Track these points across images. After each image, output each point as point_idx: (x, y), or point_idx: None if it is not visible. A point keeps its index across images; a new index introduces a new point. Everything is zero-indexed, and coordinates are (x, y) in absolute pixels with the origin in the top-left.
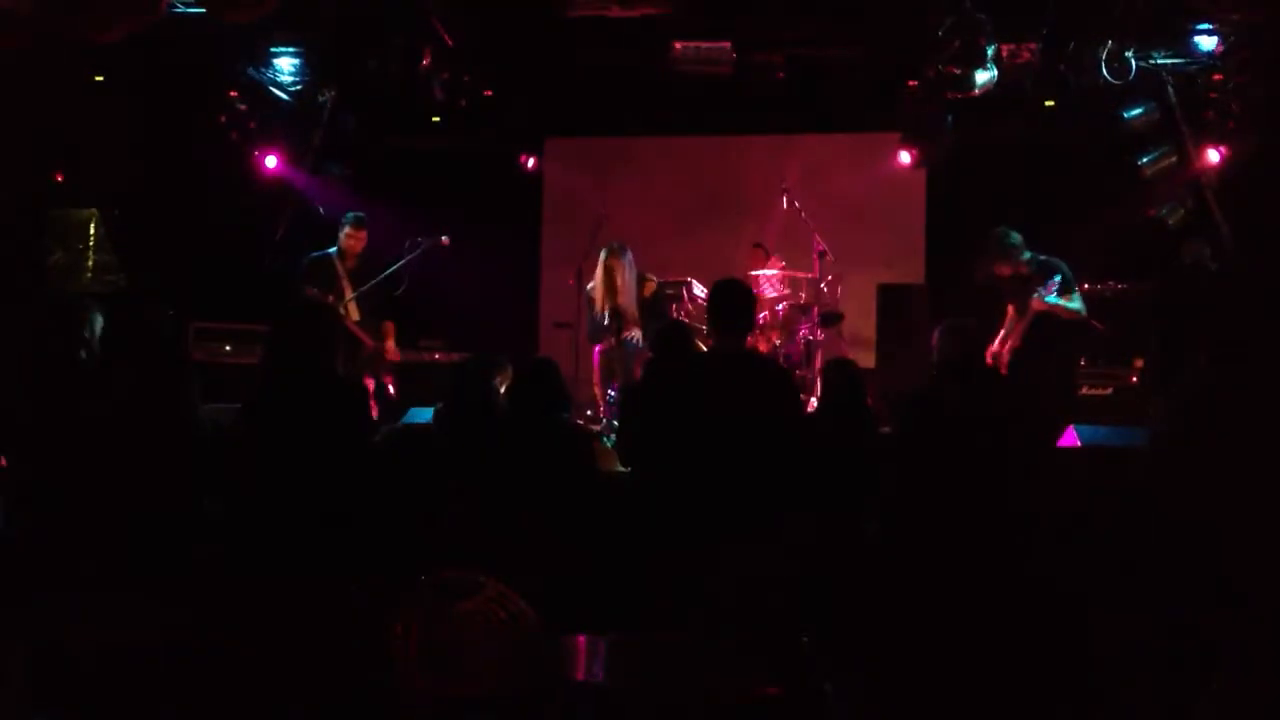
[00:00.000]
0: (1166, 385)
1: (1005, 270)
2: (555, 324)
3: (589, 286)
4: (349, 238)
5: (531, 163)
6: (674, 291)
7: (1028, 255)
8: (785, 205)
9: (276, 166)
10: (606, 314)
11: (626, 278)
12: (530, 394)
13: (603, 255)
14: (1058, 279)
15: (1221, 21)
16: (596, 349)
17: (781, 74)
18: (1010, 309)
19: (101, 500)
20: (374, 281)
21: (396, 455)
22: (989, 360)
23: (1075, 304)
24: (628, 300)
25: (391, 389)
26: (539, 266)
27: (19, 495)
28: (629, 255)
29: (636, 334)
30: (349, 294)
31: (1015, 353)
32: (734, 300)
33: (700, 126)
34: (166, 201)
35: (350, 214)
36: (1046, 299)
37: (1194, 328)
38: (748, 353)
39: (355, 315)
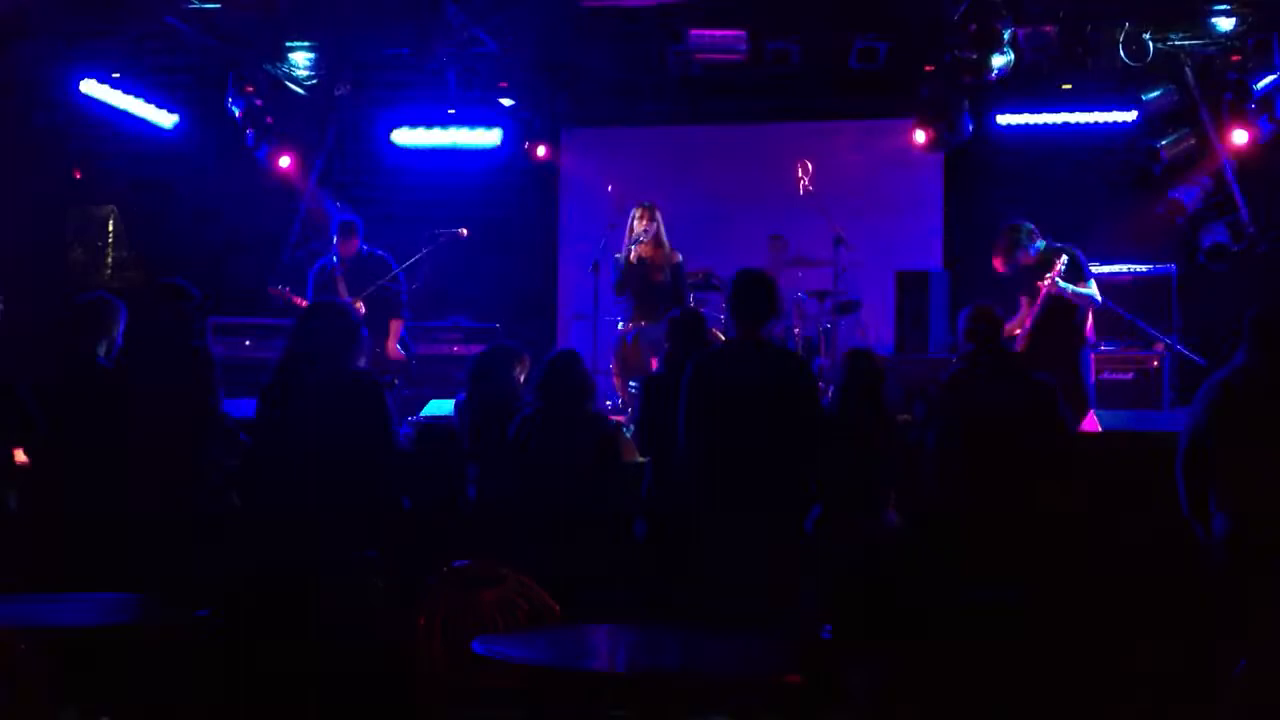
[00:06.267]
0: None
1: (1019, 261)
2: (574, 315)
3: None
4: (340, 242)
5: (542, 151)
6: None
7: (1041, 244)
8: (802, 193)
9: (290, 166)
10: (625, 261)
11: (644, 226)
12: (556, 385)
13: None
14: (1065, 259)
15: (1239, 2)
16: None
17: (796, 61)
18: (1023, 300)
19: (121, 494)
20: (383, 281)
21: (420, 447)
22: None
23: (1087, 290)
24: (649, 250)
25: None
26: (556, 257)
27: (38, 489)
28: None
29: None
30: (344, 295)
31: (1025, 339)
32: (757, 291)
33: (717, 115)
34: (184, 197)
35: (339, 221)
36: (1057, 280)
37: (1216, 312)
38: (768, 343)
39: None
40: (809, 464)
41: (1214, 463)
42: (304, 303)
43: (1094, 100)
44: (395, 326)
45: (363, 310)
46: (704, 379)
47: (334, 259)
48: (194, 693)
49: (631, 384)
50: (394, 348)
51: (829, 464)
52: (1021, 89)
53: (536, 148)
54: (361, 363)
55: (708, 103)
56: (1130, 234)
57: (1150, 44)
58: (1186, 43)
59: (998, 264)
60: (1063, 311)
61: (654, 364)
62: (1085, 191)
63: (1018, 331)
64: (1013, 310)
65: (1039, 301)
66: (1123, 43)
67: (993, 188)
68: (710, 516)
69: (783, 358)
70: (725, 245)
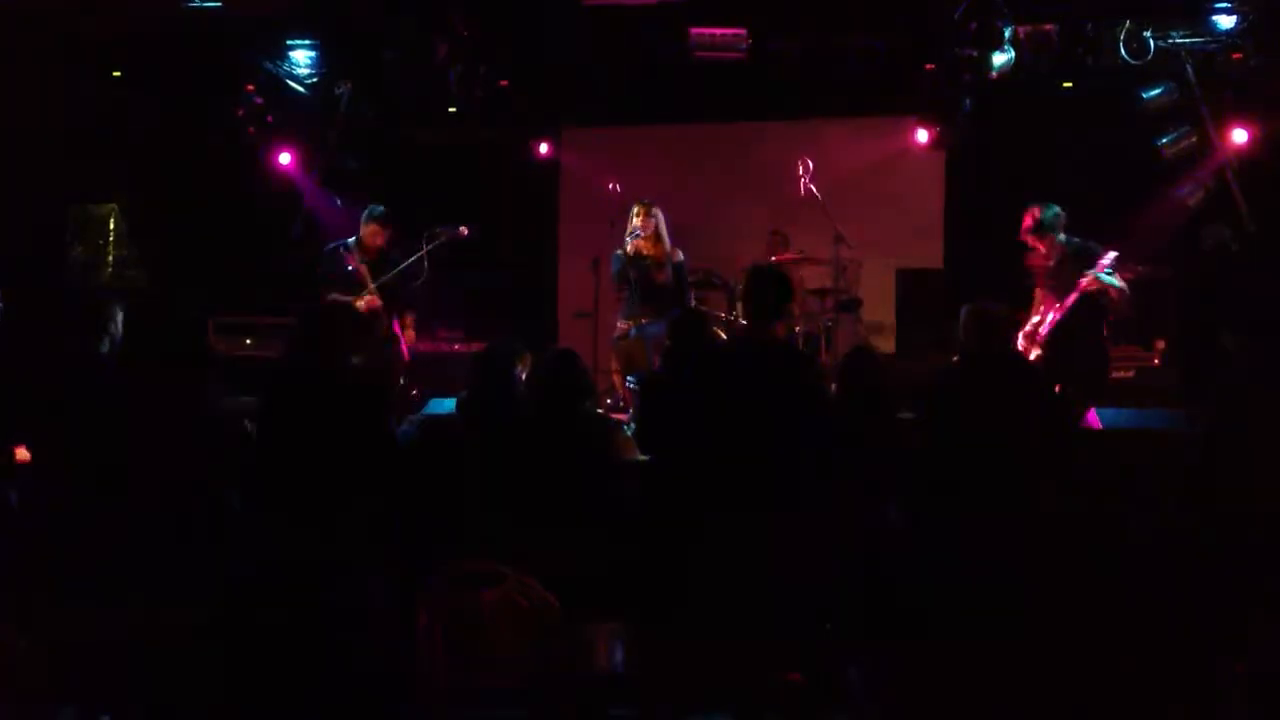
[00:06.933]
0: (1202, 370)
1: (1042, 248)
2: (575, 314)
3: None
4: (369, 233)
5: (545, 148)
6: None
7: (1063, 237)
8: (803, 191)
9: (290, 164)
10: (625, 255)
11: (642, 223)
12: (555, 384)
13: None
14: (1114, 254)
15: (1241, 0)
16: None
17: (798, 59)
18: (1038, 293)
19: (122, 494)
20: (393, 273)
21: (420, 445)
22: (1021, 342)
23: (1120, 283)
24: (648, 246)
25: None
26: (557, 256)
27: (40, 488)
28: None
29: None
30: (369, 283)
31: (1056, 331)
32: (768, 287)
33: (717, 113)
34: (186, 196)
35: (372, 208)
36: (1101, 276)
37: (1219, 310)
38: (774, 340)
39: (377, 305)
40: (812, 463)
41: None
42: (362, 266)
43: (1094, 99)
44: (409, 319)
45: (379, 304)
46: (707, 376)
47: (354, 242)
48: (194, 693)
49: (630, 381)
50: (413, 336)
51: (829, 464)
52: (1021, 88)
53: (537, 146)
54: (368, 360)
55: (708, 101)
56: (1130, 233)
57: (1151, 42)
58: (1187, 40)
59: (1028, 237)
60: (1095, 303)
61: (655, 362)
62: (1085, 190)
63: (1040, 326)
64: (1014, 306)
65: (1078, 293)
66: (1123, 40)
67: (993, 186)
68: (712, 516)
69: (788, 355)
70: (726, 243)
